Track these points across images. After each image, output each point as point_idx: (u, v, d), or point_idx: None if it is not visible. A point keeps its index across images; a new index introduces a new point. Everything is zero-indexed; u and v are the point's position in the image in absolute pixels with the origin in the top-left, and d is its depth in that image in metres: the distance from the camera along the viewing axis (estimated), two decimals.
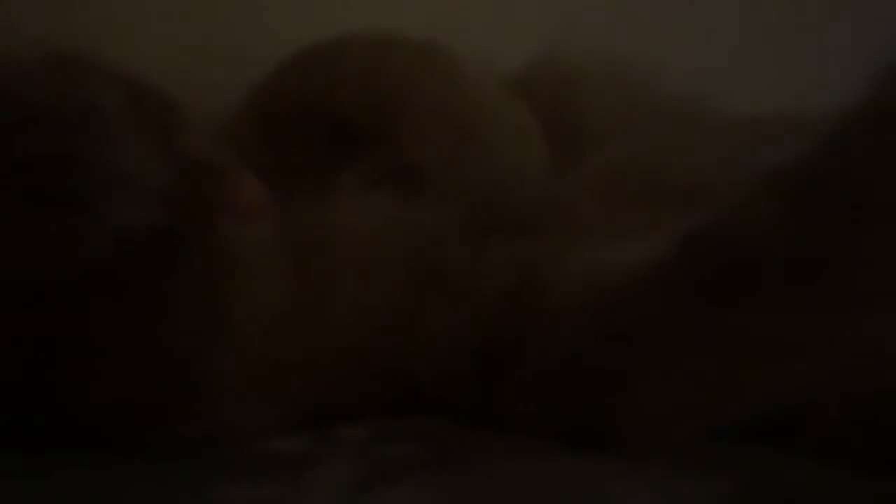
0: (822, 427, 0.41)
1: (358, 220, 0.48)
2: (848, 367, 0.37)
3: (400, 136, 0.53)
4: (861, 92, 0.34)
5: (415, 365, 0.45)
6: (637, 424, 0.36)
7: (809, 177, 0.34)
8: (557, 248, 0.46)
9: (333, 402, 0.44)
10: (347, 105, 0.53)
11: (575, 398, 0.38)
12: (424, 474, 0.34)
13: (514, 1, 0.79)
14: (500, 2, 0.78)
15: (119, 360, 0.37)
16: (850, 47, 0.82)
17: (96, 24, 0.64)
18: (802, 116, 0.57)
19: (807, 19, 0.86)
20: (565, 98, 0.62)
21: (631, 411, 0.37)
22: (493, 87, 0.57)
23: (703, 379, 0.36)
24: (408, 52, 0.55)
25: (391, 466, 0.35)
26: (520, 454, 0.37)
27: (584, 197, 0.53)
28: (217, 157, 0.43)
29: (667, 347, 0.36)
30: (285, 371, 0.43)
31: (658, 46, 0.72)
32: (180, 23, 0.70)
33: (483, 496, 0.32)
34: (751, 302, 0.34)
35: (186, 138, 0.43)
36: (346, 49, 0.55)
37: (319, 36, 0.57)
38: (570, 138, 0.58)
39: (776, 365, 0.35)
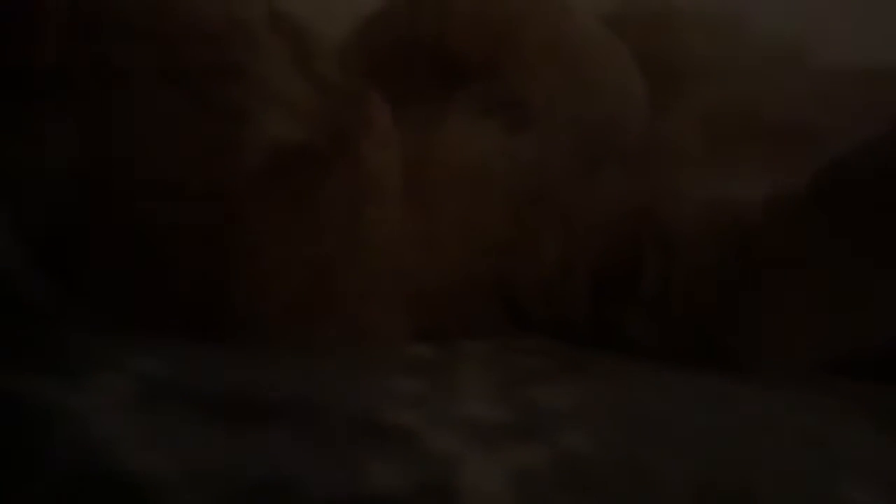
0: None
1: (468, 146, 0.50)
2: None
3: (508, 72, 0.54)
4: None
5: (524, 288, 0.48)
6: (765, 346, 0.39)
7: None
8: (668, 180, 0.48)
9: (448, 318, 0.47)
10: (458, 41, 0.55)
11: (702, 318, 0.40)
12: (564, 379, 0.36)
13: None
14: None
15: (267, 257, 0.39)
16: None
17: None
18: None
19: None
20: (657, 35, 0.63)
21: (761, 333, 0.39)
22: (597, 25, 0.59)
23: (842, 301, 0.38)
24: None
25: (527, 372, 0.38)
26: (644, 367, 0.39)
27: (685, 133, 0.54)
28: (352, 83, 0.45)
29: (800, 278, 0.38)
30: (408, 285, 0.46)
31: None
32: None
33: (635, 397, 0.34)
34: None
35: (322, 63, 0.46)
36: None
37: None
38: (663, 75, 0.60)
39: None
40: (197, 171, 0.37)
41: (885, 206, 0.37)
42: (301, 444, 0.30)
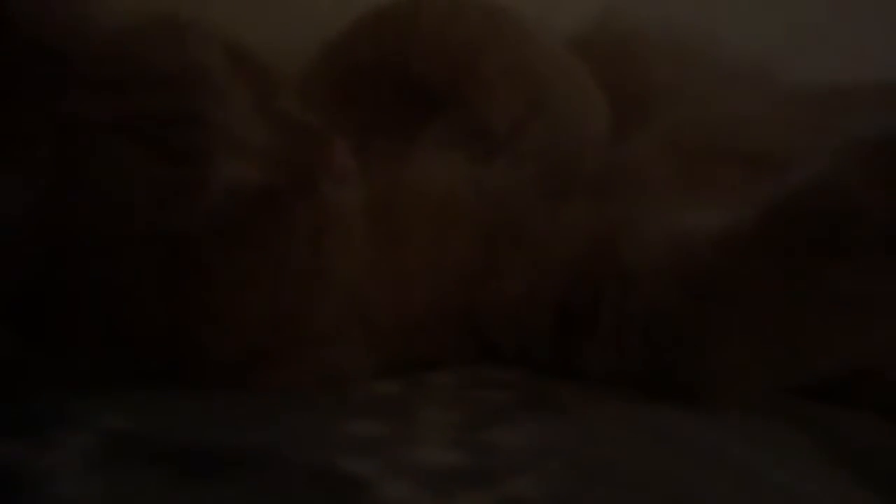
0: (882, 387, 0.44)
1: (435, 179, 0.50)
2: None
3: (473, 99, 0.54)
4: None
5: (490, 320, 0.48)
6: (719, 378, 0.39)
7: None
8: (629, 211, 0.48)
9: (415, 351, 0.47)
10: (420, 66, 0.55)
11: (658, 353, 0.41)
12: (522, 417, 0.37)
13: None
14: None
15: (230, 303, 0.39)
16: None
17: None
18: (859, 88, 0.59)
19: None
20: (623, 61, 0.63)
21: (715, 366, 0.39)
22: (561, 51, 0.59)
23: (790, 335, 0.38)
24: (480, 14, 0.56)
25: (488, 410, 0.38)
26: (604, 401, 0.40)
27: (649, 161, 0.54)
28: (312, 121, 0.45)
29: (755, 305, 0.38)
30: (373, 321, 0.46)
31: (715, 13, 0.73)
32: None
33: (590, 436, 0.35)
34: (843, 262, 0.36)
35: (283, 101, 0.46)
36: (419, 10, 0.55)
37: None
38: (628, 101, 0.60)
39: (864, 323, 0.37)
40: (155, 216, 0.37)
41: (825, 245, 0.37)
42: (259, 495, 0.30)
